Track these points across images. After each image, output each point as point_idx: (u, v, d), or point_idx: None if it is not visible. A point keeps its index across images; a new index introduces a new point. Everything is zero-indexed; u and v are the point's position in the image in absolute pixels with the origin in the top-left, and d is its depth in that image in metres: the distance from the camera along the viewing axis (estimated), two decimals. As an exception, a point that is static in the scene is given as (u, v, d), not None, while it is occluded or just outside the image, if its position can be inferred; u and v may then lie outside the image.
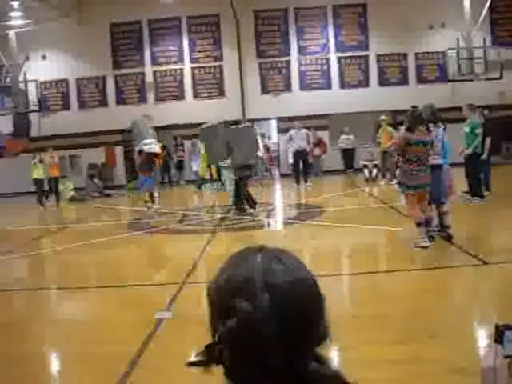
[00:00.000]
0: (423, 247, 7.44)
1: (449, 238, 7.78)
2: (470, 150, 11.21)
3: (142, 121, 13.32)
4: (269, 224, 11.52)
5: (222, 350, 0.96)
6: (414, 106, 8.17)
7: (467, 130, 11.30)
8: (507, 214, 9.68)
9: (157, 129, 14.11)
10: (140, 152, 13.00)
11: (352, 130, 20.01)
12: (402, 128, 8.15)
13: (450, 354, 4.05)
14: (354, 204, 13.30)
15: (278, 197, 16.82)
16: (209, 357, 0.98)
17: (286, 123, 19.93)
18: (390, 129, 16.13)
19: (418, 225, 7.54)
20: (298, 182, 17.10)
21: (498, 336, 1.28)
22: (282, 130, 20.60)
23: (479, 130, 11.28)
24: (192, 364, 0.99)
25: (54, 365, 4.91)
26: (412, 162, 7.44)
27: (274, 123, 22.44)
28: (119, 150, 21.67)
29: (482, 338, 4.51)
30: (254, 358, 0.94)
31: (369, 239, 9.15)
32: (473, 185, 11.41)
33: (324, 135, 20.76)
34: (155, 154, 13.24)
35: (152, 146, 12.98)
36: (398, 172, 8.58)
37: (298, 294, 0.97)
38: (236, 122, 13.49)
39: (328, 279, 6.15)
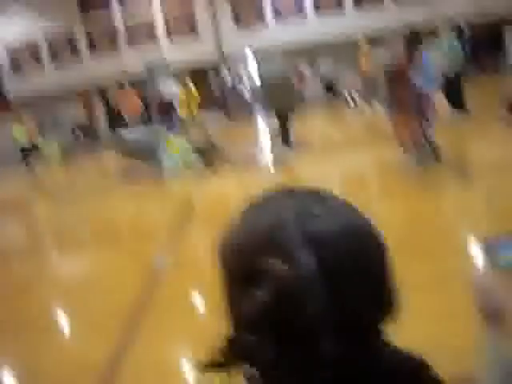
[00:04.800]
0: (414, 169, 7.54)
1: (437, 158, 7.85)
2: (450, 67, 11.19)
3: (156, 64, 13.05)
4: (259, 160, 11.53)
5: (249, 339, 0.68)
6: (411, 32, 8.05)
7: (445, 47, 11.28)
8: (491, 130, 9.71)
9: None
10: (158, 97, 12.85)
11: (332, 58, 19.71)
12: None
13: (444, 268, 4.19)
14: (341, 133, 13.29)
15: (264, 136, 16.77)
16: (229, 354, 0.70)
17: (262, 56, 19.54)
18: (367, 47, 15.93)
19: (407, 147, 7.62)
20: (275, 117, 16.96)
21: (486, 248, 1.35)
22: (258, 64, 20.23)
23: (458, 47, 11.28)
24: (206, 367, 0.71)
25: (60, 320, 5.03)
26: (400, 85, 7.48)
27: (250, 56, 21.96)
28: (98, 105, 21.34)
29: (472, 251, 4.64)
30: (299, 345, 0.67)
31: (358, 166, 9.23)
32: (456, 101, 11.43)
33: (303, 66, 20.45)
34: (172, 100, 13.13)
35: (170, 89, 12.73)
36: (385, 95, 8.60)
37: (351, 247, 0.69)
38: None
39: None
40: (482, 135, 9.67)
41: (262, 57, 19.70)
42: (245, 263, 0.70)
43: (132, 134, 12.24)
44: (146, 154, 11.08)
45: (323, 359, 0.66)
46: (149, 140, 11.26)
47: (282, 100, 10.94)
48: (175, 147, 11.22)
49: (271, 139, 13.38)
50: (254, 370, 0.71)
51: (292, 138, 11.25)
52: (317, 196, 0.75)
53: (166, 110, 13.33)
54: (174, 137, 11.56)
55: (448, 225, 5.66)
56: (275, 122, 11.43)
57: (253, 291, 0.67)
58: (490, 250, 1.33)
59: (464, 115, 11.20)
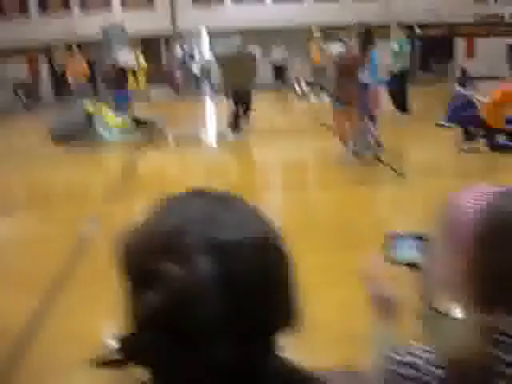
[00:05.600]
0: (350, 162, 7.70)
1: (376, 155, 8.05)
2: (397, 68, 11.42)
3: (113, 29, 12.68)
4: (202, 141, 11.48)
5: (143, 339, 0.67)
6: (364, 29, 8.19)
7: (396, 47, 11.48)
8: (430, 132, 9.98)
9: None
10: (114, 65, 12.50)
11: (284, 45, 19.75)
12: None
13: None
14: (286, 121, 13.40)
15: (211, 114, 16.71)
16: (126, 353, 0.69)
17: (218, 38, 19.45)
18: (320, 38, 16.16)
19: (346, 141, 7.79)
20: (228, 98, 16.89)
21: (385, 242, 1.41)
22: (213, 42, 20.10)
23: (407, 48, 11.53)
24: (103, 364, 0.70)
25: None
26: (347, 80, 7.61)
27: (204, 34, 21.73)
28: (44, 65, 20.67)
29: (377, 246, 4.80)
30: (191, 347, 0.66)
31: (299, 156, 9.35)
32: (399, 101, 11.68)
33: (254, 49, 20.41)
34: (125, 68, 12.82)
35: (126, 57, 12.38)
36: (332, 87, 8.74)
37: (253, 258, 0.69)
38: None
39: (259, 195, 6.34)
40: (420, 136, 9.95)
41: (217, 35, 19.58)
42: (141, 263, 0.69)
43: (62, 119, 11.75)
44: (82, 134, 10.74)
45: (214, 363, 0.66)
46: (80, 121, 10.90)
47: (236, 78, 10.77)
48: (115, 120, 11.01)
49: (218, 118, 13.37)
50: (148, 370, 0.70)
51: (242, 119, 11.06)
52: (226, 202, 0.74)
53: (117, 78, 12.95)
54: (113, 109, 11.33)
55: (373, 219, 5.83)
56: (226, 100, 11.28)
57: (146, 292, 0.66)
58: (388, 244, 1.40)
59: (405, 115, 11.48)
